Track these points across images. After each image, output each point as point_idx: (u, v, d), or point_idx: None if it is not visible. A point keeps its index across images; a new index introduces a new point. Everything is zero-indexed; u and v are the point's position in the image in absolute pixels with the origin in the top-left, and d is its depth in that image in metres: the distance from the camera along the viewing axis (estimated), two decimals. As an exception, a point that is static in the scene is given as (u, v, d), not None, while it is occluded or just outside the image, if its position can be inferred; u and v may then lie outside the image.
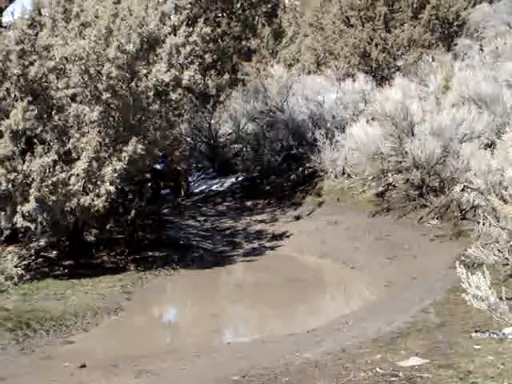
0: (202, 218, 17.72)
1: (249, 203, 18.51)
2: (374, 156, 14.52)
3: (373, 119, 15.38)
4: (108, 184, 11.58)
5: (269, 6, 22.37)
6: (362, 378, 5.73)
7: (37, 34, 12.15)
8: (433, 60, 20.12)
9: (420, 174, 13.71)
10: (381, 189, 15.53)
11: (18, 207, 11.24)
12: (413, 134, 13.77)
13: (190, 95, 16.81)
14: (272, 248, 14.61)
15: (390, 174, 15.13)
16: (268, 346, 8.23)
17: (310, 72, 26.57)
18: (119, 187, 12.33)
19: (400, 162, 14.21)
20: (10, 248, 12.73)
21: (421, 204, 13.97)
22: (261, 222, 16.65)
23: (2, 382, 7.18)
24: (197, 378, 6.84)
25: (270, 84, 20.71)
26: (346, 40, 23.32)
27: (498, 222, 9.09)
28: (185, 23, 14.60)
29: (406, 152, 13.72)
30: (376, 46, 22.90)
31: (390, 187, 15.30)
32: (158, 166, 18.05)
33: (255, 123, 20.31)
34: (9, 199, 11.40)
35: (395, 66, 23.06)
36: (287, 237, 15.18)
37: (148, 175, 14.54)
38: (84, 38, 12.00)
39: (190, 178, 21.13)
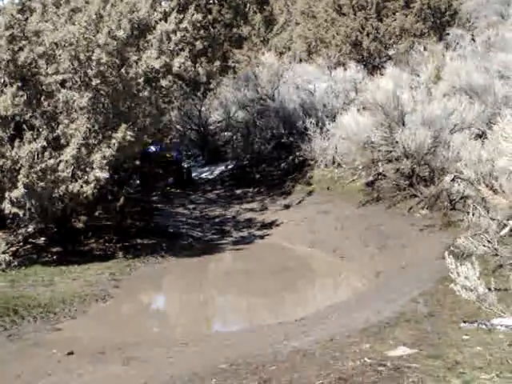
0: (192, 206, 17.69)
1: (238, 191, 18.51)
2: (365, 145, 14.51)
3: (364, 108, 15.36)
4: (97, 171, 11.54)
5: (260, -8, 22.37)
6: (350, 368, 5.73)
7: (27, 19, 12.08)
8: (424, 49, 20.10)
9: (410, 164, 13.72)
10: (371, 178, 15.54)
11: (7, 193, 11.19)
12: (403, 124, 13.76)
13: (181, 82, 16.78)
14: (261, 237, 14.60)
15: (380, 164, 15.13)
16: (256, 335, 8.22)
17: (301, 60, 26.49)
18: (108, 174, 12.27)
19: (390, 152, 14.20)
20: (-2, 234, 12.71)
21: (411, 194, 13.98)
22: (250, 210, 16.63)
23: (-11, 369, 7.16)
24: (184, 366, 6.82)
25: (261, 72, 20.64)
26: (337, 28, 23.28)
27: (488, 212, 9.10)
28: (176, 10, 14.56)
29: (397, 141, 13.71)
30: (368, 34, 22.89)
31: (380, 177, 15.31)
32: (151, 148, 17.82)
33: (246, 111, 20.28)
34: (-3, 185, 11.36)
35: (387, 55, 23.08)
36: (277, 225, 15.17)
37: (138, 162, 14.47)
38: (74, 24, 11.93)
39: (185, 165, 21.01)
